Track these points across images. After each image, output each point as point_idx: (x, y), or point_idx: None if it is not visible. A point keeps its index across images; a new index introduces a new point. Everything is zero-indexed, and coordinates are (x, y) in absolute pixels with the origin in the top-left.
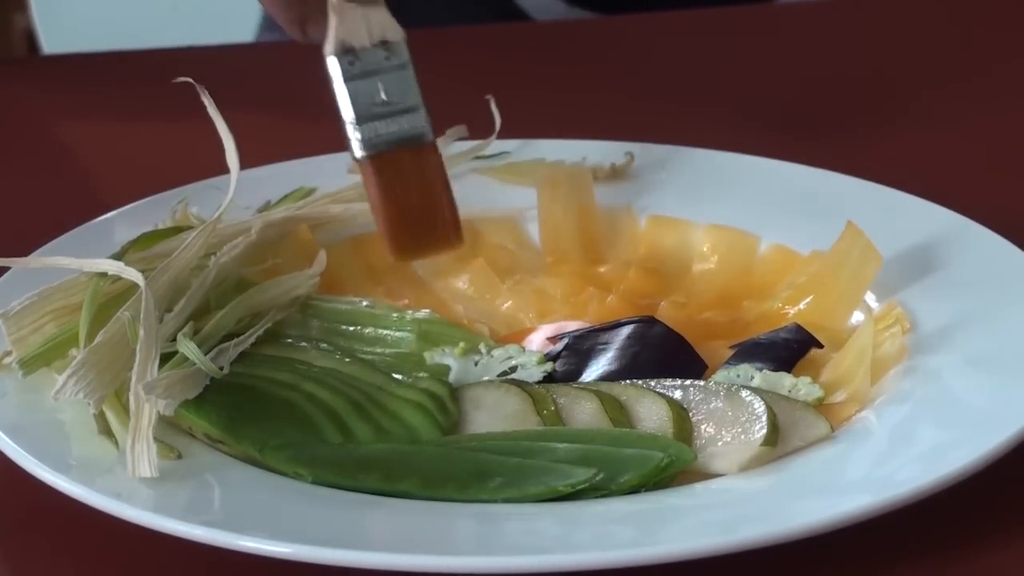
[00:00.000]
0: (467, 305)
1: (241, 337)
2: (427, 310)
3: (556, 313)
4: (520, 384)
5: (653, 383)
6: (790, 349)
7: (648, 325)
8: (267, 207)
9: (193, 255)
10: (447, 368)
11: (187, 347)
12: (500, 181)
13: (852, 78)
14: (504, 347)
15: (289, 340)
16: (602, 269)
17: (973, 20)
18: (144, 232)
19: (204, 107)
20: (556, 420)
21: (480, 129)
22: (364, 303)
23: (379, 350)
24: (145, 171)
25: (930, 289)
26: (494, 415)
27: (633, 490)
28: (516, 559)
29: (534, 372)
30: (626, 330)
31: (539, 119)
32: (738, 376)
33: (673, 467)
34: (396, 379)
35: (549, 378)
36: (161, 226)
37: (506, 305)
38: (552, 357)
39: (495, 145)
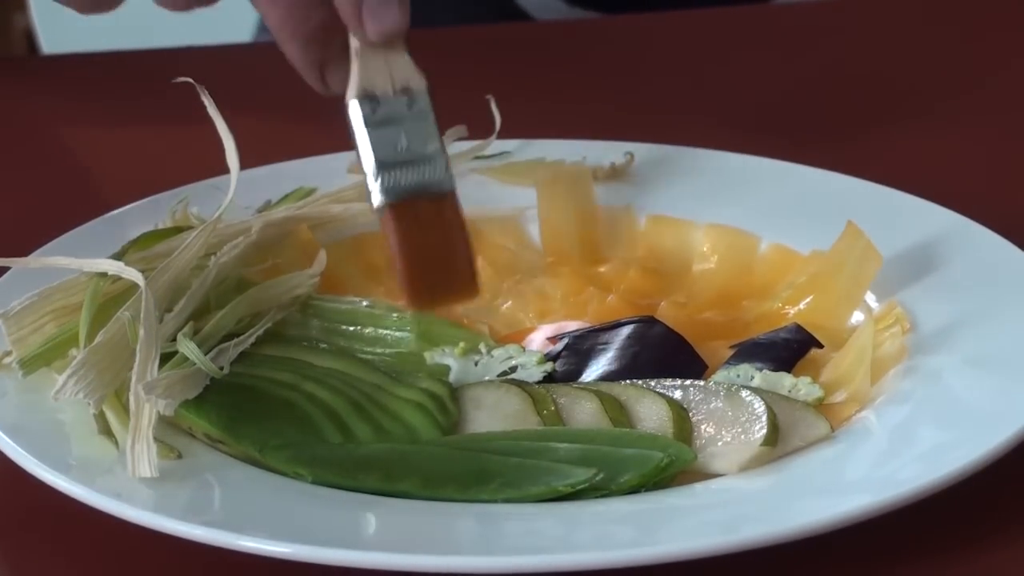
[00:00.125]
0: (467, 305)
1: (241, 337)
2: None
3: (556, 313)
4: (520, 384)
5: (653, 383)
6: (790, 349)
7: (648, 325)
8: (267, 207)
9: (193, 255)
10: (447, 368)
11: (187, 347)
12: (500, 181)
13: (852, 78)
14: (504, 347)
15: (289, 340)
16: (602, 269)
17: (973, 20)
18: (144, 232)
19: (204, 107)
20: (556, 420)
21: (480, 129)
22: (364, 303)
23: (379, 350)
24: (145, 171)
25: (930, 289)
26: (494, 415)
27: (633, 490)
28: (516, 559)
29: (534, 372)
30: (626, 330)
31: (539, 119)
32: (738, 376)
33: (673, 467)
34: (396, 379)
35: (549, 378)
36: (161, 226)
37: (506, 305)
38: (552, 357)
39: (495, 145)
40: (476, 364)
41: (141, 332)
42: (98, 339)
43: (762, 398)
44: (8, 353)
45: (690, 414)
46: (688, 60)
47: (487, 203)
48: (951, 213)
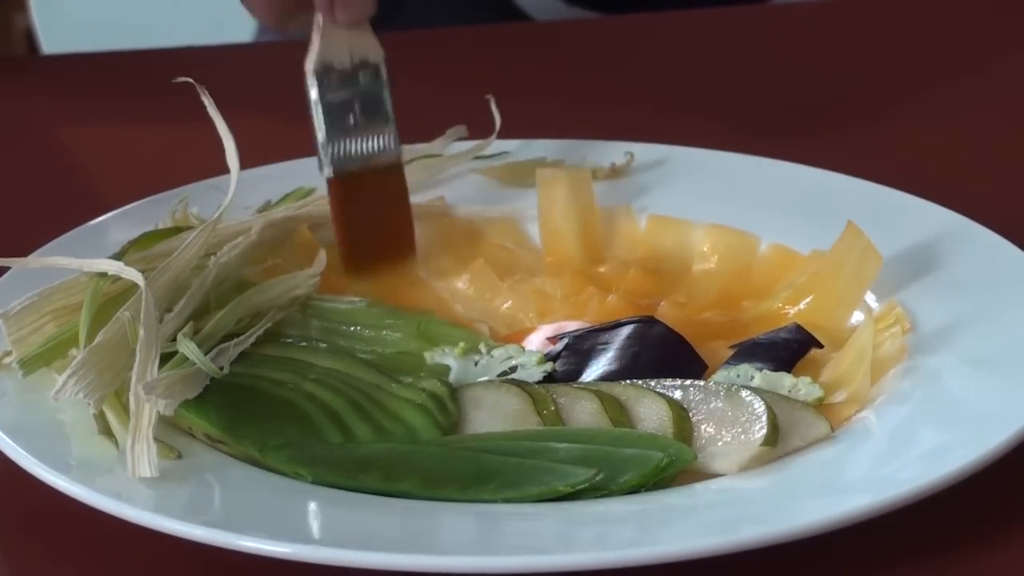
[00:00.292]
0: (467, 305)
1: (241, 337)
2: (427, 310)
3: (556, 313)
4: (520, 384)
5: (653, 383)
6: (790, 349)
7: (648, 325)
8: (267, 207)
9: (193, 255)
10: (447, 368)
11: (187, 347)
12: (500, 181)
13: (852, 78)
14: (504, 347)
15: (289, 340)
16: (602, 269)
17: (973, 19)
18: (144, 232)
19: (204, 107)
20: (556, 420)
21: (480, 129)
22: (364, 303)
23: (379, 350)
24: (145, 171)
25: (930, 289)
26: (494, 415)
27: (633, 490)
28: (516, 559)
29: (534, 372)
30: (626, 330)
31: (539, 119)
32: (738, 376)
33: (673, 467)
34: (396, 379)
35: (549, 378)
36: (161, 226)
37: (506, 305)
38: (552, 357)
39: (495, 145)
40: (476, 364)
41: (141, 332)
42: (98, 339)
43: (762, 398)
44: (8, 353)
45: (690, 414)
46: (688, 60)
47: (487, 203)
48: (951, 213)
